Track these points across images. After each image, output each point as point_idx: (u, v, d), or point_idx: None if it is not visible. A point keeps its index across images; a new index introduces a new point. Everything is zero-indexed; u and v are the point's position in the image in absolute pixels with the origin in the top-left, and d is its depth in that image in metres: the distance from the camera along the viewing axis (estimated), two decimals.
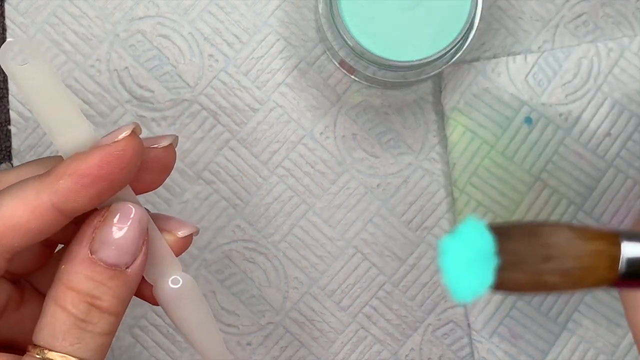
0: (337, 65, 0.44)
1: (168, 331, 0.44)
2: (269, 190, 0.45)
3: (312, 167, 0.45)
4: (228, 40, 0.45)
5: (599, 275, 0.20)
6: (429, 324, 0.45)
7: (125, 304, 0.30)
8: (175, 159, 0.32)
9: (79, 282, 0.29)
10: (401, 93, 0.45)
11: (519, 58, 0.44)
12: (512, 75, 0.44)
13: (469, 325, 0.45)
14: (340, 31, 0.39)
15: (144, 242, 0.30)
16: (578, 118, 0.44)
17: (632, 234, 0.20)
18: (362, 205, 0.45)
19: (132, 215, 0.29)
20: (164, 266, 0.31)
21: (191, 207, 0.44)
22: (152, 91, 0.44)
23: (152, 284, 0.32)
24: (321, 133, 0.45)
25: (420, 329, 0.45)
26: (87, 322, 0.29)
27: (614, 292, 0.43)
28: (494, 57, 0.45)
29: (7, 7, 0.44)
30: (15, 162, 0.44)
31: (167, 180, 0.37)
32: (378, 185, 0.45)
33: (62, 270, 0.29)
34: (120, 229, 0.29)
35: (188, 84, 0.44)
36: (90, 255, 0.29)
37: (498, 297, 0.44)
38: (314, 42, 0.45)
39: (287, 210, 0.45)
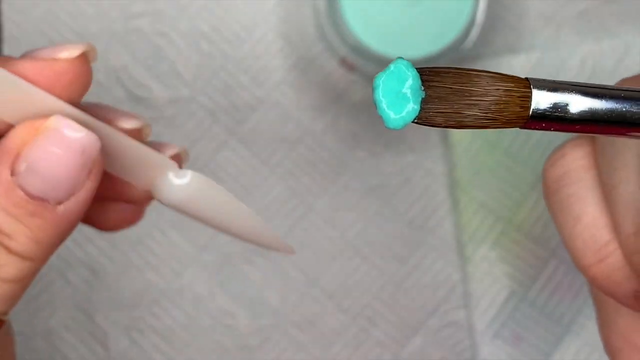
0: (338, 63, 0.44)
1: (165, 333, 0.44)
2: (269, 190, 0.44)
3: (313, 166, 0.45)
4: (227, 37, 0.45)
5: (513, 111, 0.23)
6: (431, 326, 0.45)
7: (48, 249, 0.24)
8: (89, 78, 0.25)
9: None
10: None
11: (523, 56, 0.44)
12: (515, 74, 0.44)
13: (471, 327, 0.44)
14: (341, 28, 0.39)
15: (91, 175, 0.24)
16: None
17: (539, 81, 0.24)
18: (363, 205, 0.45)
19: (72, 141, 0.23)
20: (155, 167, 0.26)
21: None
22: (150, 89, 0.44)
23: (149, 191, 0.27)
24: (321, 132, 0.45)
25: (422, 331, 0.45)
26: None
27: None
28: (497, 54, 0.45)
29: (3, 4, 0.44)
30: None
31: None
32: (379, 185, 0.45)
33: None
34: (53, 155, 0.23)
35: (186, 82, 0.44)
36: (9, 176, 0.23)
37: (501, 299, 0.44)
38: (314, 40, 0.45)
39: (286, 210, 0.44)
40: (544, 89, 0.23)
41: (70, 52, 0.24)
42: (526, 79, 0.23)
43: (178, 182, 0.26)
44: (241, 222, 0.27)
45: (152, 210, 0.45)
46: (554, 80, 0.23)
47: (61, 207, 0.23)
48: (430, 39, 0.39)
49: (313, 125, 0.45)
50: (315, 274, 0.44)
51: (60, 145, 0.23)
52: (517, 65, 0.44)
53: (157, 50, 0.44)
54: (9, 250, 0.23)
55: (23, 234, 0.23)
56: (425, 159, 0.45)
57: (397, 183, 0.45)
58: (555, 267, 0.44)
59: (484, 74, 0.23)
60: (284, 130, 0.45)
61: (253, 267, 0.44)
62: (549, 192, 0.27)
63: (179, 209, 0.26)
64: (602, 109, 0.24)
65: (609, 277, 0.26)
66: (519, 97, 0.23)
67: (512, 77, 0.23)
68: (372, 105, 0.45)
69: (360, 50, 0.39)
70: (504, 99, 0.23)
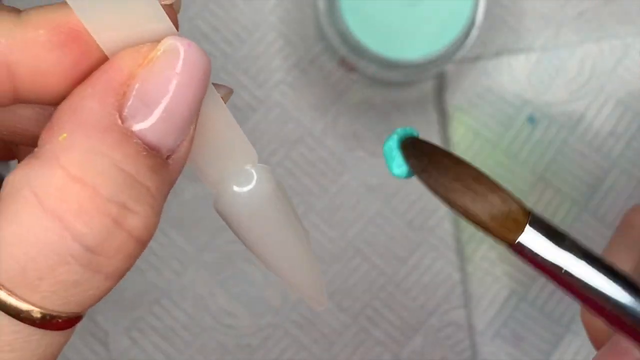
0: (338, 63, 0.44)
1: (166, 333, 0.44)
2: None
3: (313, 166, 0.45)
4: (227, 38, 0.45)
5: (501, 229, 0.22)
6: (431, 326, 0.44)
7: (157, 223, 0.18)
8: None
9: (100, 174, 0.17)
10: (402, 92, 0.45)
11: (522, 56, 0.44)
12: (515, 74, 0.44)
13: (471, 326, 0.44)
14: (341, 28, 0.39)
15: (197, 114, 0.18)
16: (582, 117, 0.44)
17: (539, 219, 0.23)
18: (363, 205, 0.44)
19: (196, 65, 0.17)
20: (227, 158, 0.20)
21: (190, 207, 0.44)
22: None
23: (210, 186, 0.21)
24: (321, 132, 0.45)
25: (422, 331, 0.44)
26: (100, 254, 0.17)
27: None
28: (497, 55, 0.45)
29: (4, 2, 0.44)
30: None
31: None
32: (379, 185, 0.45)
33: (61, 146, 0.17)
34: (174, 85, 0.17)
35: None
36: (119, 121, 0.17)
37: (501, 299, 0.44)
38: (314, 40, 0.45)
39: None
40: (541, 231, 0.22)
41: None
42: (530, 211, 0.22)
43: (237, 189, 0.20)
44: (290, 255, 0.22)
45: None
46: (555, 229, 0.22)
47: (171, 160, 0.18)
48: (430, 39, 0.39)
49: (313, 125, 0.45)
50: None
51: (184, 72, 0.17)
52: (517, 66, 0.44)
53: None
54: (129, 230, 0.17)
55: (146, 202, 0.17)
56: None
57: (397, 183, 0.45)
58: None
59: (495, 184, 0.22)
60: (284, 130, 0.45)
61: (253, 267, 0.44)
62: None
63: (229, 222, 0.21)
64: (607, 290, 0.22)
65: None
66: (511, 221, 0.22)
67: (514, 197, 0.22)
68: (372, 105, 0.45)
69: (360, 50, 0.39)
70: (496, 210, 0.22)
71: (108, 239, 0.17)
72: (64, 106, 0.17)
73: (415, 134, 0.23)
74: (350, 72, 0.44)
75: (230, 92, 0.20)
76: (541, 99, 0.44)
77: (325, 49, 0.44)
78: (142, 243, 0.17)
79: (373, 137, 0.45)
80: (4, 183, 0.17)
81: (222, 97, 0.19)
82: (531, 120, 0.44)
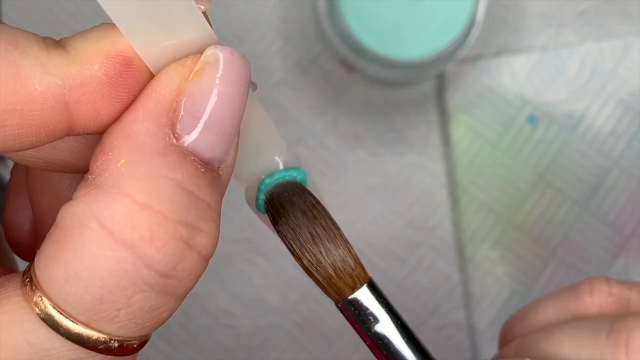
0: (338, 63, 0.44)
1: (165, 333, 0.44)
2: None
3: (313, 166, 0.44)
4: (227, 37, 0.44)
5: (335, 286, 0.23)
6: (431, 326, 0.44)
7: (219, 237, 0.18)
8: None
9: (166, 198, 0.16)
10: (403, 92, 0.45)
11: (522, 56, 0.44)
12: (515, 74, 0.44)
13: (471, 327, 0.44)
14: (341, 28, 0.39)
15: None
16: (582, 117, 0.44)
17: (373, 285, 0.23)
18: (363, 205, 0.44)
19: (240, 73, 0.17)
20: (260, 152, 0.20)
21: None
22: None
23: (242, 181, 0.21)
24: (321, 132, 0.44)
25: (422, 331, 0.44)
26: (173, 277, 0.17)
27: None
28: (497, 55, 0.45)
29: (3, 4, 0.44)
30: None
31: None
32: (379, 185, 0.44)
33: (121, 174, 0.16)
34: (222, 92, 0.17)
35: None
36: (174, 139, 0.17)
37: (501, 299, 0.44)
38: (314, 40, 0.45)
39: None
40: (374, 295, 0.23)
41: (205, 5, 0.19)
42: (370, 278, 0.23)
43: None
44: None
45: None
46: (385, 301, 0.23)
47: (220, 171, 0.18)
48: (430, 38, 0.39)
49: (313, 125, 0.44)
50: None
51: (230, 81, 0.17)
52: (518, 65, 0.44)
53: None
54: (199, 250, 0.17)
55: (210, 219, 0.17)
56: (425, 159, 0.45)
57: (397, 183, 0.45)
58: (556, 266, 0.44)
59: (341, 238, 0.22)
60: (284, 130, 0.44)
61: (253, 267, 0.44)
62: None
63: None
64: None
65: None
66: (350, 278, 0.23)
67: (358, 262, 0.23)
68: (372, 105, 0.45)
69: (360, 50, 0.39)
70: (337, 264, 0.22)
71: (180, 262, 0.17)
72: (117, 131, 0.17)
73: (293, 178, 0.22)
74: (350, 72, 0.44)
75: (254, 86, 0.20)
76: (541, 99, 0.44)
77: (325, 49, 0.44)
78: (209, 259, 0.17)
79: (373, 137, 0.45)
80: (61, 215, 0.17)
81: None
82: (531, 120, 0.44)
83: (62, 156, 0.19)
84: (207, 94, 0.17)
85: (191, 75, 0.17)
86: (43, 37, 0.17)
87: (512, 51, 0.45)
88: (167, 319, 0.18)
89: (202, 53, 0.18)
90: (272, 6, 0.45)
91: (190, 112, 0.17)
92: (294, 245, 0.21)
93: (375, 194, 0.45)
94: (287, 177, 0.22)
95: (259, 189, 0.21)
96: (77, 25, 0.44)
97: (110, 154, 0.17)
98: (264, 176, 0.21)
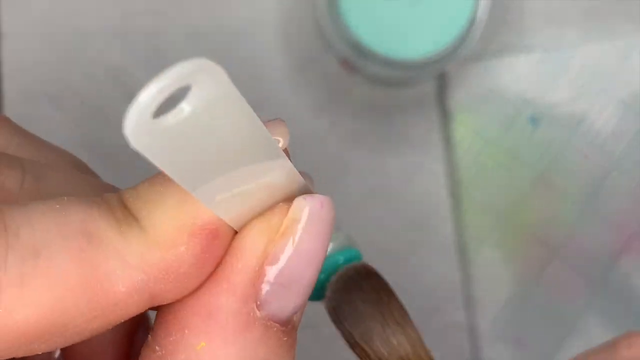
0: (338, 63, 0.44)
1: None
2: None
3: (312, 166, 0.44)
4: (227, 37, 0.44)
5: None
6: (432, 327, 0.44)
7: None
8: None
9: None
10: (404, 92, 0.45)
11: (524, 56, 0.44)
12: (516, 74, 0.44)
13: (472, 328, 0.44)
14: (341, 28, 0.39)
15: None
16: (584, 117, 0.44)
17: None
18: (363, 205, 0.44)
19: (327, 220, 0.16)
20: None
21: None
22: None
23: None
24: (321, 132, 0.44)
25: (423, 332, 0.44)
26: None
27: (624, 299, 0.43)
28: (499, 55, 0.44)
29: (3, 4, 0.44)
30: None
31: None
32: (380, 185, 0.44)
33: (197, 358, 0.15)
34: (311, 253, 0.16)
35: None
36: (258, 313, 0.16)
37: (502, 301, 0.44)
38: (314, 40, 0.44)
39: None
40: None
41: (284, 138, 0.17)
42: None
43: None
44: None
45: None
46: None
47: (295, 318, 0.16)
48: (430, 39, 0.38)
49: (313, 125, 0.44)
50: None
51: (317, 237, 0.16)
52: (519, 65, 0.44)
53: (157, 50, 0.44)
54: None
55: None
56: (426, 159, 0.45)
57: (398, 183, 0.44)
58: (557, 267, 0.44)
59: (413, 331, 0.20)
60: None
61: None
62: None
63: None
64: None
65: None
66: None
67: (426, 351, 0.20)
68: (372, 105, 0.45)
69: (360, 50, 0.39)
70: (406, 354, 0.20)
71: None
72: (194, 306, 0.15)
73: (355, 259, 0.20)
74: (350, 72, 0.44)
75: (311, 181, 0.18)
76: (543, 99, 0.44)
77: (325, 48, 0.44)
78: None
79: (373, 137, 0.44)
80: None
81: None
82: (533, 120, 0.44)
83: (101, 346, 0.18)
84: (296, 259, 0.15)
85: (278, 237, 0.15)
86: (108, 204, 0.14)
87: (513, 51, 0.44)
88: None
89: (285, 201, 0.16)
90: (272, 6, 0.45)
91: (277, 279, 0.15)
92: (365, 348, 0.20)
93: (375, 194, 0.44)
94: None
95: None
96: (76, 25, 0.44)
97: (186, 332, 0.15)
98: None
